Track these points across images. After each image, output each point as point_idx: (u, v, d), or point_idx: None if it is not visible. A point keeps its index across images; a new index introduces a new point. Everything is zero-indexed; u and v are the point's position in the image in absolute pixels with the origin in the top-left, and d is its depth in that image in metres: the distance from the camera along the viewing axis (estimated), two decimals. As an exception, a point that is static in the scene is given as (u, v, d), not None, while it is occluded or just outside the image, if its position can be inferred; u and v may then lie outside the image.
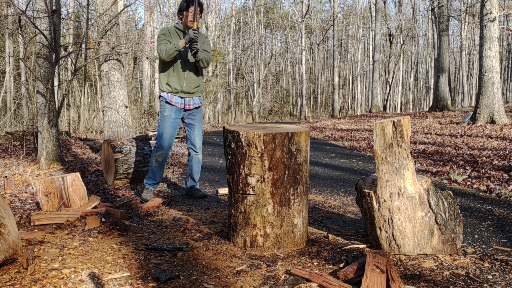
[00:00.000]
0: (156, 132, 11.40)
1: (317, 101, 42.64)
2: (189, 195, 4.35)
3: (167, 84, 4.02)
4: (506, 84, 35.98)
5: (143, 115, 16.68)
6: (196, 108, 4.16)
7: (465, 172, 5.17)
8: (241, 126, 3.05)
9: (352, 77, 42.41)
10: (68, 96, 16.32)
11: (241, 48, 34.97)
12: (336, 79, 27.91)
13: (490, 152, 6.63)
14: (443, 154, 6.69)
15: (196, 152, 4.22)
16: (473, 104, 25.93)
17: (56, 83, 11.53)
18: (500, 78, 11.43)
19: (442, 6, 17.81)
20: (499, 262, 2.42)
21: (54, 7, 6.22)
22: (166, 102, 4.04)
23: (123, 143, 4.97)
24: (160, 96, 4.11)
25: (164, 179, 5.36)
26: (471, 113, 11.64)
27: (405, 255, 2.55)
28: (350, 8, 43.06)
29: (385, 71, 33.59)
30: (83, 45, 8.84)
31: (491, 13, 10.48)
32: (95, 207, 3.61)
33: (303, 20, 30.15)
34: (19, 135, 10.20)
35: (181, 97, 4.06)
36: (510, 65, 36.42)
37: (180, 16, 4.01)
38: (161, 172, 4.17)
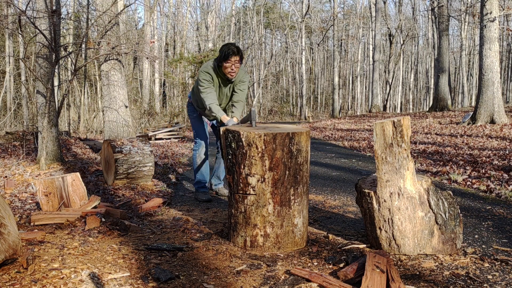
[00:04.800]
0: (155, 132, 11.42)
1: (317, 101, 42.64)
2: (215, 193, 4.42)
3: (198, 107, 4.13)
4: (506, 84, 35.97)
5: (143, 115, 16.68)
6: None
7: (465, 172, 5.16)
8: (241, 126, 3.05)
9: (352, 77, 42.40)
10: (68, 96, 16.32)
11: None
12: (336, 79, 27.91)
13: (490, 152, 6.62)
14: (443, 154, 6.69)
15: None
16: (473, 104, 25.93)
17: (56, 83, 11.53)
18: (500, 78, 11.43)
19: (442, 6, 17.81)
20: (499, 262, 2.42)
21: (54, 7, 6.22)
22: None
23: (123, 143, 4.97)
24: (190, 103, 4.23)
25: (164, 179, 5.36)
26: (471, 113, 11.63)
27: (405, 255, 2.55)
28: (350, 8, 43.06)
29: (385, 71, 33.59)
30: (83, 45, 8.84)
31: (491, 13, 10.48)
32: (95, 207, 3.61)
33: (303, 20, 30.15)
34: (19, 135, 10.20)
35: (209, 119, 4.22)
36: (510, 65, 36.41)
37: (219, 64, 3.73)
38: (208, 169, 4.23)
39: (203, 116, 4.23)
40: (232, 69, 3.69)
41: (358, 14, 39.44)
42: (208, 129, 4.34)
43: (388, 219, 2.54)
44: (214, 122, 4.28)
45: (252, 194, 2.62)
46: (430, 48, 35.48)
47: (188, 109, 4.24)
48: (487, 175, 4.95)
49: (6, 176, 5.37)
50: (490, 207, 3.67)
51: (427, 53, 38.95)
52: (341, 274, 2.18)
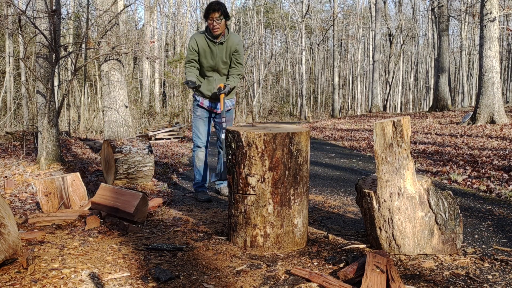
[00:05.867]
0: (155, 132, 11.41)
1: (317, 101, 42.64)
2: (217, 192, 4.46)
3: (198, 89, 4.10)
4: (506, 84, 35.96)
5: (143, 115, 16.68)
6: (227, 110, 4.18)
7: (465, 172, 5.16)
8: (241, 126, 3.05)
9: (352, 77, 42.41)
10: (68, 96, 16.32)
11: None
12: (336, 79, 27.91)
13: (490, 152, 6.62)
14: (443, 154, 6.69)
15: None
16: (473, 104, 25.92)
17: (56, 83, 11.53)
18: (500, 78, 11.42)
19: (442, 6, 17.81)
20: (499, 262, 2.42)
21: (54, 7, 6.22)
22: (198, 104, 4.15)
23: (123, 143, 4.98)
24: (193, 95, 4.20)
25: (164, 179, 5.36)
26: (471, 113, 11.63)
27: (405, 255, 2.55)
28: (350, 8, 43.07)
29: (385, 71, 33.58)
30: (83, 45, 8.84)
31: (491, 13, 10.48)
32: (95, 207, 3.61)
33: (303, 20, 30.15)
34: (19, 135, 10.20)
35: (211, 102, 4.13)
36: (510, 65, 36.41)
37: (206, 24, 3.94)
38: (207, 171, 4.23)
39: (206, 117, 4.13)
40: (214, 25, 3.82)
41: (358, 14, 39.43)
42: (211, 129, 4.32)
43: (388, 219, 2.54)
44: (218, 107, 4.17)
45: (252, 194, 2.62)
46: (430, 48, 35.48)
47: (193, 105, 4.22)
48: (487, 175, 4.95)
49: (6, 176, 5.37)
50: (490, 207, 3.67)
51: (427, 53, 38.96)
52: (341, 274, 2.18)
